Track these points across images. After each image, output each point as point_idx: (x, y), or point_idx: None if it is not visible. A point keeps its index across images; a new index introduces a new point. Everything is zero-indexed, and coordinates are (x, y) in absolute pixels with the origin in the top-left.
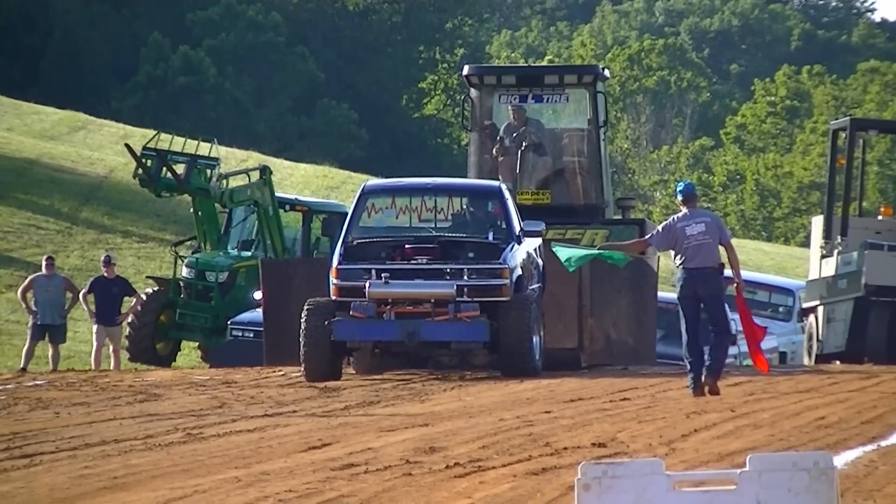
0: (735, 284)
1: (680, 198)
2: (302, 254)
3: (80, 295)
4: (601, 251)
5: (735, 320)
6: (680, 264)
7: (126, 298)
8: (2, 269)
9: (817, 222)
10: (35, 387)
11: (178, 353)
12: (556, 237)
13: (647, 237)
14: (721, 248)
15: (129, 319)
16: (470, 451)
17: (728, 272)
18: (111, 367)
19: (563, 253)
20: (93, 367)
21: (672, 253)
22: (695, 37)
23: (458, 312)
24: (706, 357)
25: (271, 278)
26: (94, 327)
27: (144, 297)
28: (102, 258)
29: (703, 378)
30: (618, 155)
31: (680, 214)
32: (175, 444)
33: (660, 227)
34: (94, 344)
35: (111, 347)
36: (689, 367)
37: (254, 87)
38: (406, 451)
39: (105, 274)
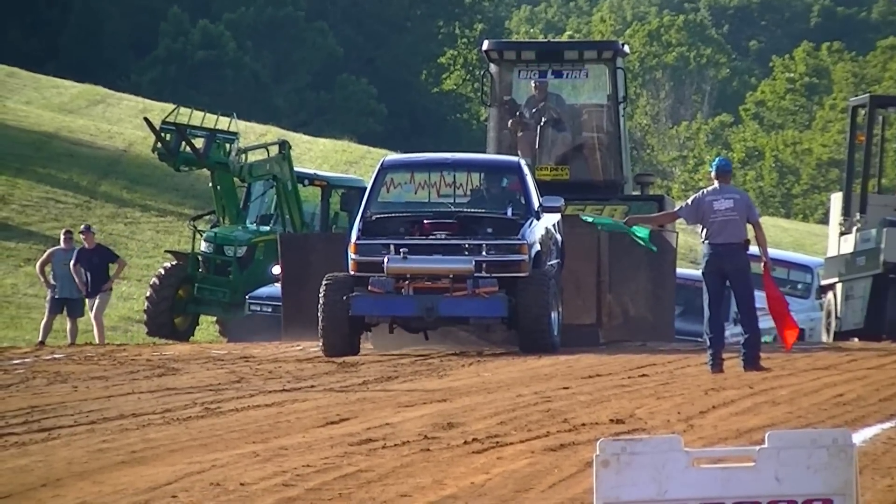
0: (762, 263)
1: (713, 172)
2: (321, 229)
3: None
4: (631, 227)
5: (761, 297)
6: (705, 239)
7: (111, 264)
8: (21, 242)
9: (836, 199)
10: (53, 360)
11: (197, 327)
12: (575, 213)
13: (676, 209)
14: (749, 227)
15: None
16: (488, 426)
17: (754, 250)
18: (95, 339)
19: (591, 218)
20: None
21: (699, 227)
22: (714, 13)
23: (477, 288)
24: (741, 347)
25: (290, 253)
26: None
27: (163, 271)
28: (81, 227)
29: (722, 360)
30: (637, 131)
31: (710, 188)
32: (193, 418)
33: (689, 200)
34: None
35: (93, 316)
36: (708, 342)
37: (273, 62)
38: (424, 427)
39: (85, 244)
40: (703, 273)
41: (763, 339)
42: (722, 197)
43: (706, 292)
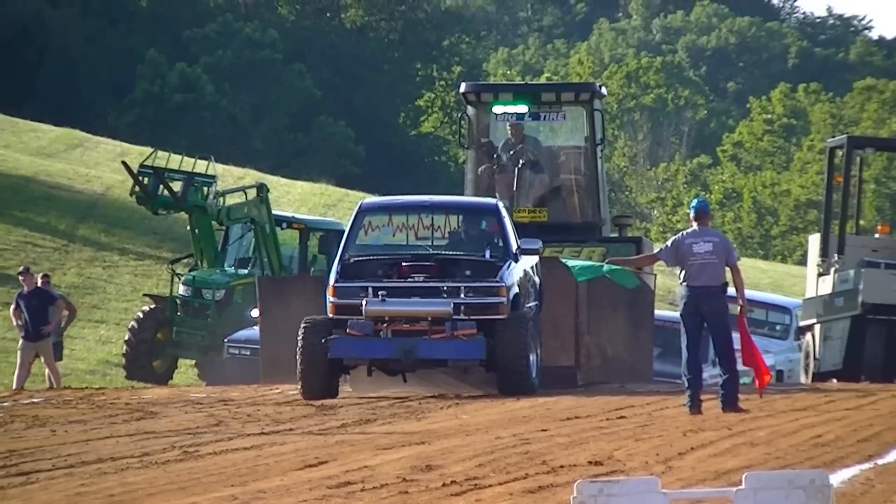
0: (739, 306)
1: (692, 213)
2: (299, 271)
3: (11, 310)
4: (611, 267)
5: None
6: (683, 281)
7: (51, 307)
8: None
9: (814, 240)
10: (31, 404)
11: (175, 370)
12: (554, 255)
13: (656, 252)
14: (728, 269)
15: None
16: (466, 469)
17: (732, 291)
18: (52, 384)
19: (572, 263)
20: (14, 386)
21: (678, 269)
22: (692, 54)
23: (455, 330)
24: (719, 388)
25: (268, 296)
26: (20, 343)
27: (141, 315)
28: (20, 269)
29: (701, 401)
30: (615, 172)
31: (689, 230)
32: (172, 461)
33: (669, 242)
34: (18, 361)
35: (43, 360)
36: (686, 384)
37: (251, 104)
38: (403, 469)
39: (24, 287)
40: (681, 315)
41: (742, 381)
42: (701, 240)
43: (684, 334)
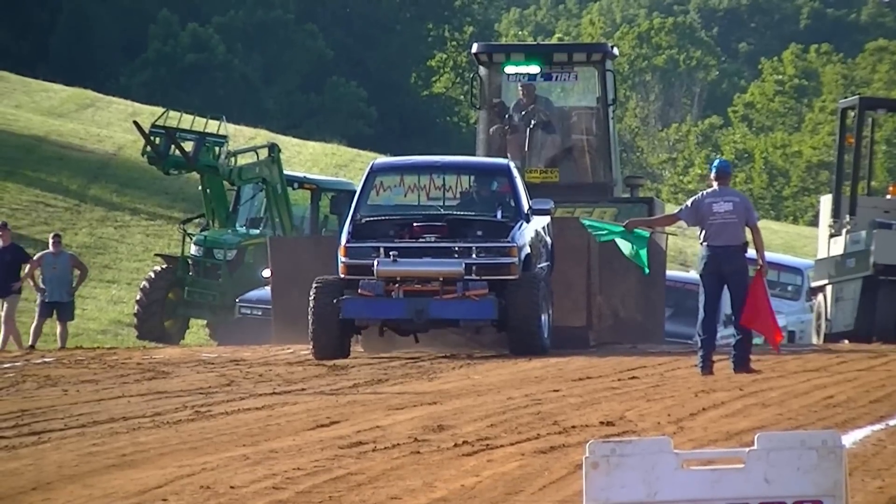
0: (758, 266)
1: (713, 173)
2: (310, 232)
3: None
4: (633, 230)
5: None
6: (703, 241)
7: (24, 264)
8: None
9: (826, 201)
10: (43, 364)
11: (187, 330)
12: (565, 215)
13: (676, 211)
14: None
15: (138, 297)
16: (478, 429)
17: (752, 252)
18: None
19: (589, 223)
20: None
21: (698, 229)
22: (704, 15)
23: (467, 291)
24: (731, 349)
25: (280, 256)
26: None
27: (153, 275)
28: None
29: (713, 362)
30: (626, 133)
31: (709, 190)
32: (183, 421)
33: (689, 202)
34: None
35: (2, 316)
36: (699, 344)
37: (262, 65)
38: (414, 430)
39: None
40: (700, 274)
41: (754, 341)
42: (721, 199)
43: (702, 293)
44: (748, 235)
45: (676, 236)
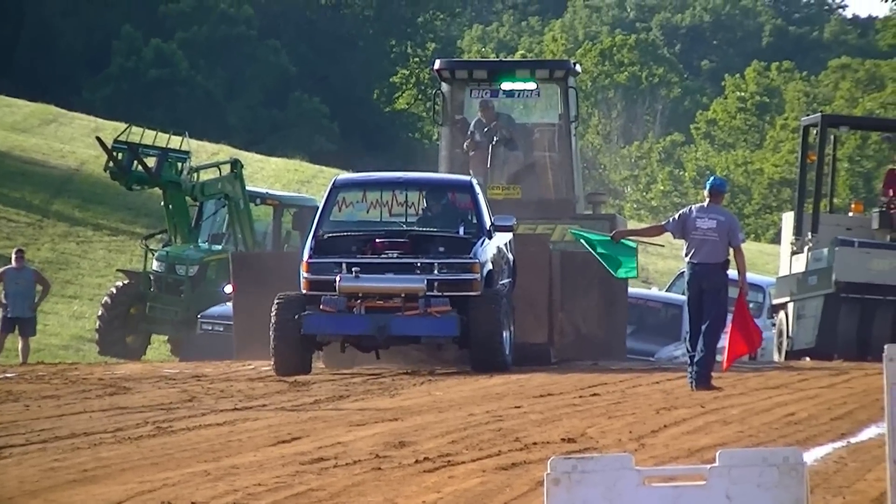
0: (739, 288)
1: (706, 190)
2: (273, 247)
3: None
4: (620, 241)
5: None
6: (685, 255)
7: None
8: None
9: (788, 219)
10: (5, 379)
11: (149, 346)
12: (527, 232)
13: (664, 223)
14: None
15: (100, 313)
16: (439, 445)
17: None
18: None
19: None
20: None
21: (683, 243)
22: (666, 32)
23: (429, 307)
24: (693, 365)
25: (242, 272)
26: None
27: (115, 290)
28: None
29: (710, 377)
30: (589, 150)
31: (698, 206)
32: (145, 437)
33: (677, 215)
34: None
35: None
36: (689, 360)
37: (225, 80)
38: (375, 446)
39: None
40: (686, 291)
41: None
42: (707, 216)
43: (687, 309)
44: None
45: (663, 247)
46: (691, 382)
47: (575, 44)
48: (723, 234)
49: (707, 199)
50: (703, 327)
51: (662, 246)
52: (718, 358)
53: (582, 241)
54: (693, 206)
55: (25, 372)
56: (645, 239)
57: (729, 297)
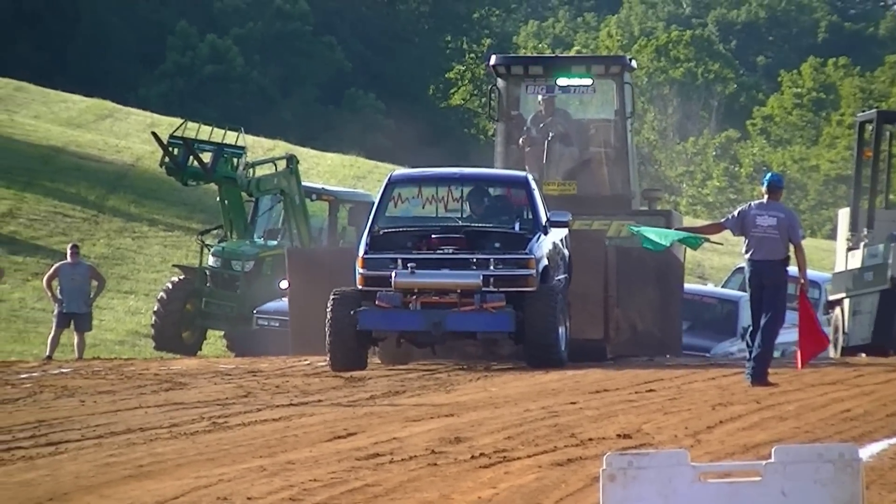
0: (799, 283)
1: (764, 187)
2: (328, 243)
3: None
4: (676, 236)
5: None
6: (745, 252)
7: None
8: (28, 256)
9: (843, 215)
10: (61, 375)
11: (204, 341)
12: (583, 228)
13: (722, 220)
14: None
15: (155, 308)
16: (495, 441)
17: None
18: None
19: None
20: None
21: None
22: (722, 28)
23: (484, 303)
24: (751, 361)
25: (297, 267)
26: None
27: (170, 286)
28: None
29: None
30: (644, 146)
31: (757, 202)
32: (200, 432)
33: (735, 212)
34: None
35: None
36: (748, 355)
37: (280, 76)
38: (431, 441)
39: None
40: (748, 287)
41: (774, 354)
42: (767, 213)
43: (751, 306)
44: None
45: (722, 245)
46: (748, 378)
47: (630, 39)
48: (783, 231)
49: (766, 196)
50: (762, 324)
51: (721, 244)
52: (776, 354)
53: (642, 236)
54: (752, 203)
55: (81, 367)
56: (703, 237)
57: (788, 293)
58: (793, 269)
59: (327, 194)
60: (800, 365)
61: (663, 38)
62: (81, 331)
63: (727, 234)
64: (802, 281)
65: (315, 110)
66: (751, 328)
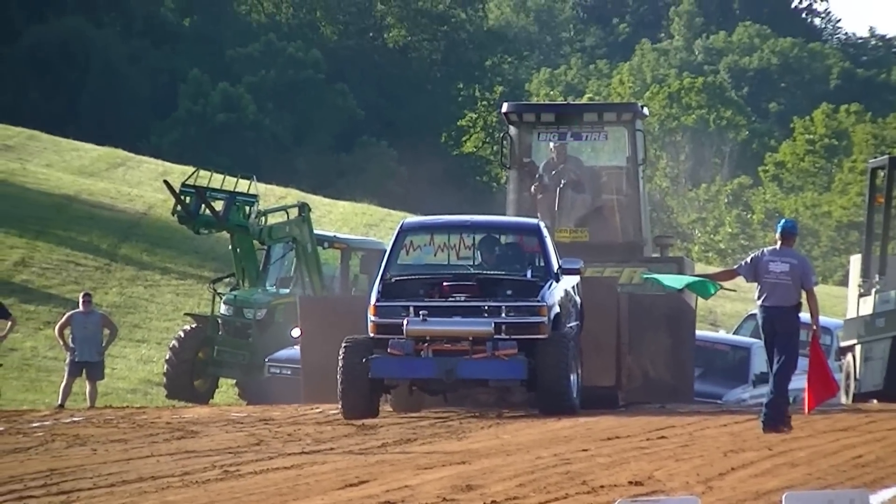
0: (812, 329)
1: (778, 233)
2: (340, 291)
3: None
4: (691, 281)
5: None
6: (758, 299)
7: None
8: (41, 305)
9: (855, 261)
10: (73, 423)
11: (216, 389)
12: (595, 275)
13: (735, 267)
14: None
15: (167, 356)
16: (507, 488)
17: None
18: None
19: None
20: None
21: (756, 286)
22: (734, 75)
23: (496, 350)
24: (763, 407)
25: (309, 315)
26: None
27: (182, 334)
28: None
29: (789, 416)
30: (656, 192)
31: (770, 248)
32: (212, 480)
33: (748, 259)
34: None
35: None
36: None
37: (293, 124)
38: (443, 489)
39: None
40: (762, 334)
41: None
42: (780, 259)
43: (766, 353)
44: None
45: (735, 292)
46: (761, 424)
47: (643, 87)
48: (795, 278)
49: (779, 242)
50: (775, 370)
51: (734, 290)
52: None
53: (658, 283)
54: (765, 249)
55: (93, 416)
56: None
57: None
58: (805, 316)
59: (339, 242)
60: (807, 409)
61: (675, 85)
62: (94, 379)
63: (740, 280)
64: (815, 327)
65: (327, 158)
66: (770, 374)
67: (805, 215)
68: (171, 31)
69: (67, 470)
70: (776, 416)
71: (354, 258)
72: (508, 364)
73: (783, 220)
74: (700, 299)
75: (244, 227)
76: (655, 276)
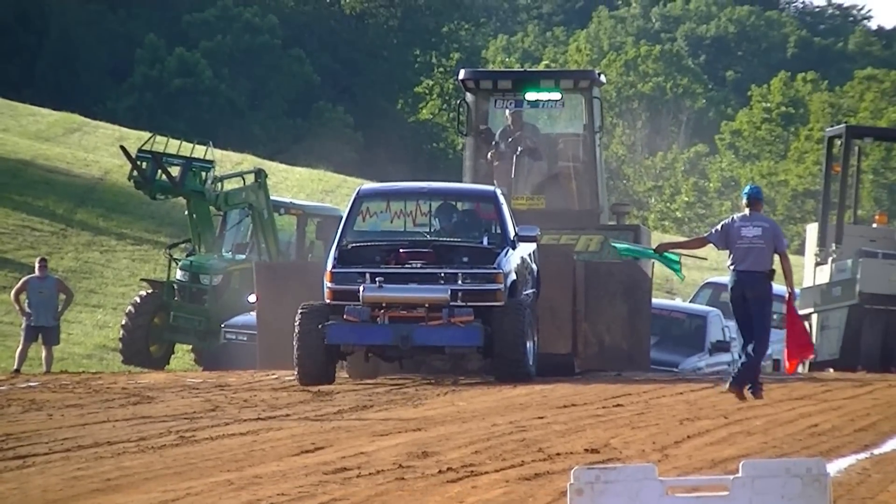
0: (788, 293)
1: (744, 200)
2: (296, 257)
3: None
4: (662, 253)
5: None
6: (730, 265)
7: None
8: None
9: (812, 230)
10: (28, 388)
11: (172, 355)
12: (551, 243)
13: (706, 235)
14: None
15: (123, 322)
16: (462, 455)
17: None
18: None
19: (621, 247)
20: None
21: (727, 253)
22: (691, 43)
23: (452, 317)
24: (736, 369)
25: (265, 281)
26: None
27: (138, 300)
28: None
29: (761, 386)
30: (613, 160)
31: (740, 215)
32: (168, 446)
33: (719, 226)
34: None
35: None
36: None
37: (249, 90)
38: (399, 456)
39: None
40: (730, 299)
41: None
42: (752, 224)
43: (735, 318)
44: (777, 262)
45: (706, 260)
46: (730, 382)
47: (599, 54)
48: (769, 241)
49: (747, 209)
50: (754, 336)
51: (705, 259)
52: (765, 363)
53: (627, 254)
54: (735, 216)
55: (49, 381)
56: (687, 251)
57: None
58: (779, 286)
59: (295, 208)
60: (789, 368)
61: (632, 53)
62: (49, 344)
63: (710, 249)
64: (790, 290)
65: (283, 124)
66: (742, 342)
67: (761, 184)
68: None
69: (23, 435)
70: (744, 380)
71: (311, 224)
72: (464, 331)
73: (748, 186)
74: (657, 266)
75: (200, 193)
76: (627, 245)
